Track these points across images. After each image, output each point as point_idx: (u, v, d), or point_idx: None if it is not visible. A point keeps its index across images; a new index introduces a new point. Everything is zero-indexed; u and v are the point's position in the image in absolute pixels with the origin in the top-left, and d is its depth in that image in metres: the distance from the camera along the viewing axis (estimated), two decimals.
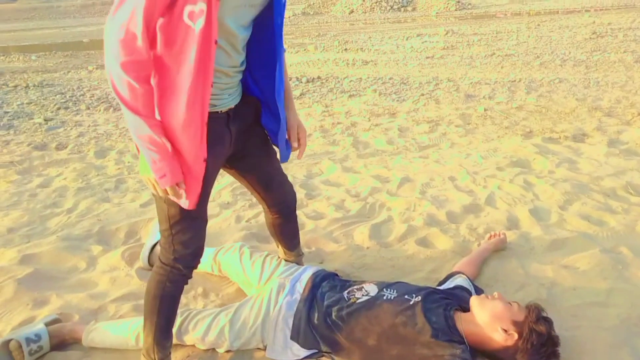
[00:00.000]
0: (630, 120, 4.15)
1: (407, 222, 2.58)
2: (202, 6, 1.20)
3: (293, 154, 1.74)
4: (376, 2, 28.73)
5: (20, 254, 2.46)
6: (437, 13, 26.29)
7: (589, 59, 7.36)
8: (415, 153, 3.73)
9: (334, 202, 2.90)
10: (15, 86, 8.14)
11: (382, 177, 3.24)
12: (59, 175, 3.79)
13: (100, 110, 5.96)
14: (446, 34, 13.37)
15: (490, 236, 2.32)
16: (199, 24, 1.21)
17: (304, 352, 1.66)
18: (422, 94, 5.58)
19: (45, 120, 5.57)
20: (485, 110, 4.72)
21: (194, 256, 1.53)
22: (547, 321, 1.55)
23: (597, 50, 8.12)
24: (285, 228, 1.92)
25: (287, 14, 28.21)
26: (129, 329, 1.76)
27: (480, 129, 4.23)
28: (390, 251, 2.33)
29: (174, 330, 1.64)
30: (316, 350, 1.67)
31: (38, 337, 1.76)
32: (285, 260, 2.00)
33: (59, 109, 6.18)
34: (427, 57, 8.70)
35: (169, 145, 1.30)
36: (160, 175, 1.31)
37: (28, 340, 1.73)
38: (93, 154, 4.24)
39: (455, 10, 27.17)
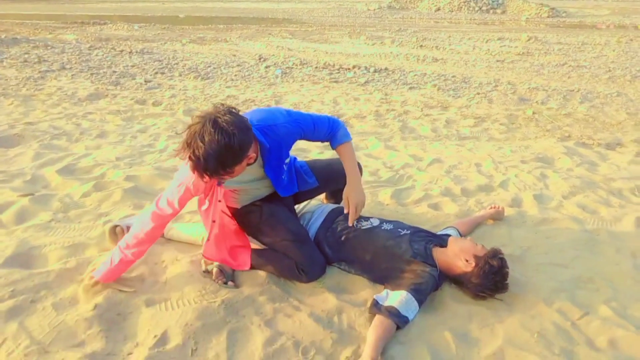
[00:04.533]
0: None
1: (425, 191, 3.10)
2: (206, 202, 2.08)
3: None
4: (464, 2, 28.23)
5: (125, 174, 3.27)
6: (527, 18, 25.45)
7: None
8: (454, 141, 4.18)
9: (370, 170, 3.46)
10: (121, 51, 9.34)
11: (416, 156, 3.75)
12: (154, 125, 4.63)
13: (190, 78, 6.86)
14: (528, 40, 13.23)
15: (491, 207, 2.78)
16: (203, 207, 2.13)
17: None
18: (478, 93, 5.94)
19: (145, 81, 6.55)
20: (533, 113, 5.03)
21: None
22: (501, 259, 2.04)
23: None
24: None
25: (372, 6, 28.53)
26: (197, 232, 2.45)
27: (522, 129, 4.58)
28: (405, 209, 2.87)
29: None
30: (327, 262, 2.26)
31: None
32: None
33: (156, 73, 7.16)
34: (498, 61, 8.89)
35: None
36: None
37: (128, 228, 2.46)
38: (181, 112, 5.07)
39: (548, 17, 26.12)
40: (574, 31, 17.29)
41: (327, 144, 2.24)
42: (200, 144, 1.69)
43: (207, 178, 1.80)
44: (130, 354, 1.74)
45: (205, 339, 1.81)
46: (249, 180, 2.16)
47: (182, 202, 2.02)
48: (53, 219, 2.67)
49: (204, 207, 2.14)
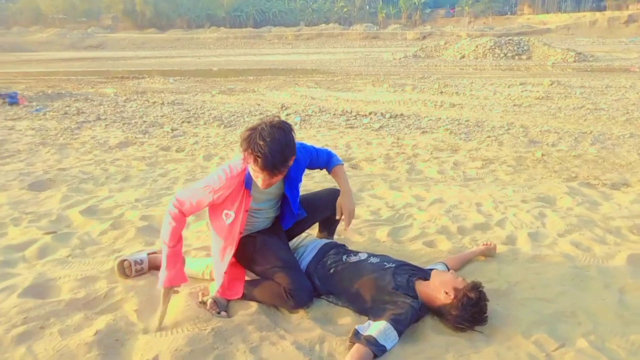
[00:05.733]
0: None
1: (422, 229, 3.20)
2: (232, 214, 2.24)
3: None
4: (489, 49, 28.66)
5: (141, 214, 3.52)
6: (553, 63, 25.55)
7: None
8: (459, 182, 4.28)
9: (372, 209, 3.60)
10: (154, 102, 9.95)
11: (419, 197, 3.87)
12: (175, 170, 4.93)
13: (214, 126, 7.26)
14: (551, 84, 13.29)
15: (484, 244, 2.85)
16: (228, 221, 2.25)
17: None
18: (489, 136, 6.04)
19: (171, 129, 6.97)
20: (542, 155, 5.09)
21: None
22: (480, 292, 2.11)
23: None
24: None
25: (398, 55, 29.30)
26: (201, 266, 2.62)
27: (529, 170, 4.64)
28: (400, 246, 2.97)
29: None
30: (315, 294, 2.38)
31: (142, 261, 2.68)
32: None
33: (183, 122, 7.61)
34: (515, 105, 8.99)
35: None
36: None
37: (135, 262, 2.66)
38: (202, 157, 5.38)
39: (574, 62, 26.15)
40: (600, 75, 17.25)
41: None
42: (262, 142, 1.98)
43: (276, 174, 2.07)
44: None
45: None
46: (267, 200, 2.39)
47: (201, 205, 2.22)
48: (71, 254, 2.91)
49: (229, 221, 2.25)
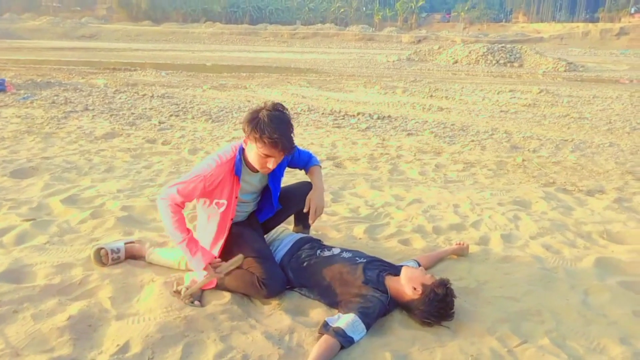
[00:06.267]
0: None
1: (398, 228, 3.25)
2: (224, 202, 2.32)
3: None
4: (482, 55, 28.89)
5: (121, 204, 3.53)
6: (544, 72, 25.83)
7: None
8: (439, 184, 4.35)
9: (351, 207, 3.65)
10: (144, 95, 9.93)
11: (399, 197, 3.92)
12: (159, 162, 4.95)
13: (201, 121, 7.27)
14: (539, 92, 13.45)
15: (457, 244, 2.92)
16: (221, 210, 2.34)
17: None
18: (473, 140, 6.13)
19: (159, 122, 6.97)
20: (523, 160, 5.18)
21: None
22: (447, 288, 2.17)
23: None
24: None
25: (392, 58, 29.44)
26: (176, 256, 2.65)
27: (509, 175, 4.72)
28: (375, 243, 3.03)
29: None
30: (288, 287, 2.42)
31: (118, 250, 2.70)
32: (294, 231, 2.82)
33: (171, 115, 7.61)
34: (502, 111, 9.11)
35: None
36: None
37: (112, 251, 2.68)
38: (187, 151, 5.40)
39: (565, 71, 26.46)
40: (589, 85, 17.48)
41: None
42: (274, 127, 2.13)
43: (290, 154, 2.29)
44: None
45: (163, 349, 1.98)
46: (250, 192, 2.49)
47: (192, 194, 2.28)
48: (49, 241, 2.92)
49: (222, 209, 2.34)
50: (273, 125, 2.14)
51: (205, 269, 2.24)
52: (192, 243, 2.26)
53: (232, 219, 2.39)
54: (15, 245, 2.86)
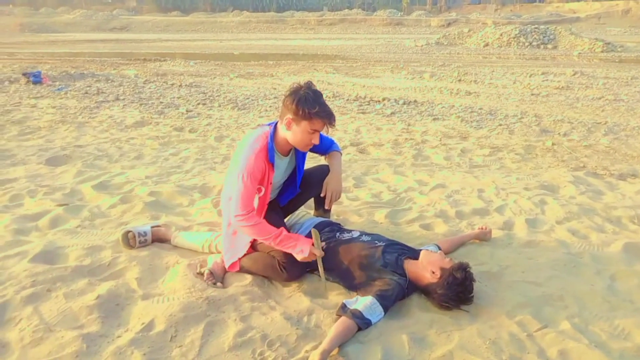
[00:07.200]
0: None
1: (420, 212, 3.24)
2: (263, 188, 2.38)
3: None
4: (514, 37, 28.00)
5: (149, 190, 3.63)
6: (579, 53, 24.87)
7: None
8: (464, 169, 4.29)
9: (374, 192, 3.65)
10: (172, 84, 10.10)
11: (422, 182, 3.90)
12: (187, 149, 5.05)
13: (227, 108, 7.36)
14: (573, 74, 12.99)
15: (480, 228, 2.88)
16: (260, 194, 2.39)
17: None
18: (500, 124, 6.00)
19: (186, 111, 7.09)
20: (552, 144, 5.04)
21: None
22: (466, 272, 2.16)
23: None
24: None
25: (420, 42, 28.90)
26: (200, 240, 2.72)
27: (537, 159, 4.61)
28: (396, 228, 3.03)
29: None
30: (309, 269, 2.46)
31: (145, 233, 2.79)
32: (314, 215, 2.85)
33: (198, 104, 7.73)
34: (532, 95, 8.86)
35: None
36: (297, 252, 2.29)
37: (139, 234, 2.77)
38: (213, 138, 5.49)
39: (601, 52, 25.40)
40: (628, 66, 16.76)
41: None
42: (320, 100, 2.27)
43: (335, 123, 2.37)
44: (119, 336, 2.00)
45: (185, 328, 2.05)
46: (280, 176, 2.55)
47: (252, 193, 2.31)
48: (80, 225, 3.04)
49: (261, 194, 2.40)
50: (320, 100, 2.27)
51: (310, 253, 2.28)
52: (286, 239, 2.30)
53: (270, 202, 2.48)
54: (49, 229, 3.00)
